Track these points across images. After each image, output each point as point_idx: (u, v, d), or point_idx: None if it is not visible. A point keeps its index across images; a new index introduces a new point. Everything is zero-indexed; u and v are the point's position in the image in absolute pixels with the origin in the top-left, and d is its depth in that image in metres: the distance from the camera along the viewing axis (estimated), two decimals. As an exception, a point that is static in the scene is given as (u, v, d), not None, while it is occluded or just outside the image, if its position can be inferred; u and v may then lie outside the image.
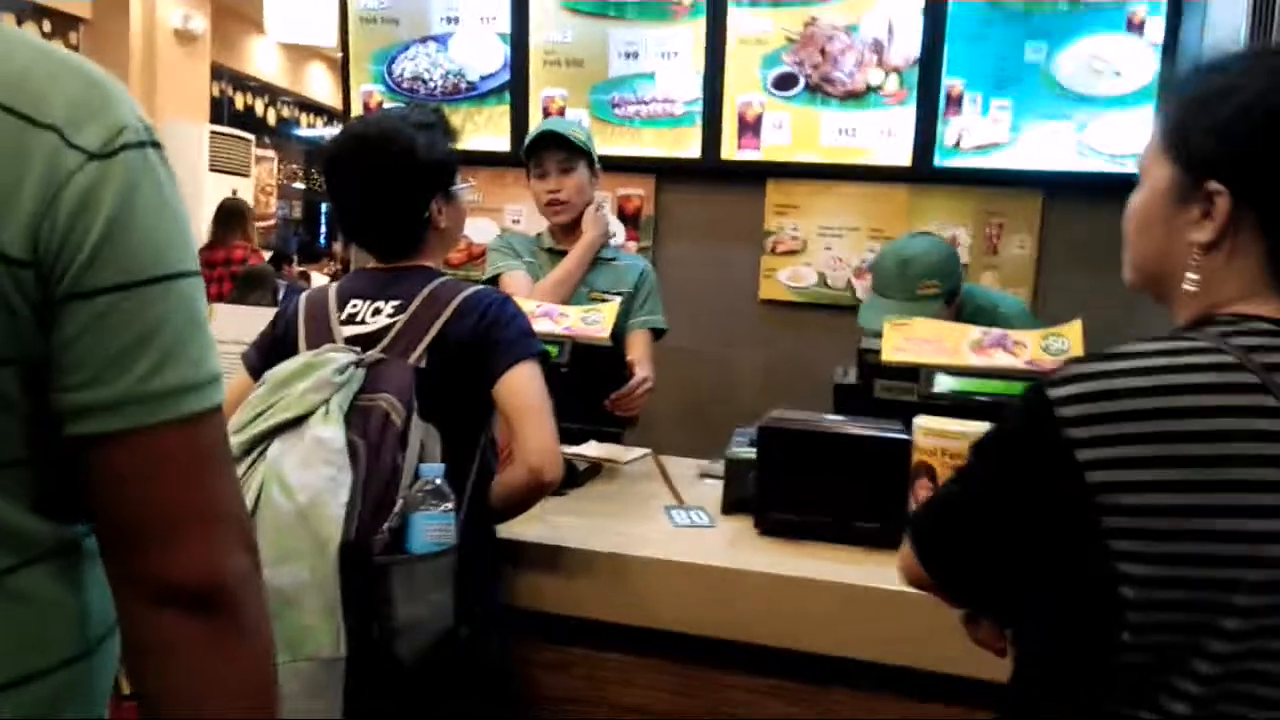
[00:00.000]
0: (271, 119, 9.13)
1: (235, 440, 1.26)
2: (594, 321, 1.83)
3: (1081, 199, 2.91)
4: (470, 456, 1.43)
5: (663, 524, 1.68)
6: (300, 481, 1.23)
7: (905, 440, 1.53)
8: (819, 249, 3.11)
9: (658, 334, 2.41)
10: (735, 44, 2.99)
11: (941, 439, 1.48)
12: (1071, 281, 2.95)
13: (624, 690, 1.53)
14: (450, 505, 1.30)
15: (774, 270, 3.15)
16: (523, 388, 1.42)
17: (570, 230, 2.34)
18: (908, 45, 2.89)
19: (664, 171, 3.17)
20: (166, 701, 0.66)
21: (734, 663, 1.50)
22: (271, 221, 7.23)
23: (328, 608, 1.21)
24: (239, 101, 8.53)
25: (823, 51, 2.94)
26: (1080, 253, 2.95)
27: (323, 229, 10.68)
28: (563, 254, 2.35)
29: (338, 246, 9.93)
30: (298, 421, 1.28)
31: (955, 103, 2.90)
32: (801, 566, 1.47)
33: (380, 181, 1.48)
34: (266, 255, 5.78)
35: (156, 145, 0.66)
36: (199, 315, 0.67)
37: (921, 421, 1.51)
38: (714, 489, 1.87)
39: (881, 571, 1.46)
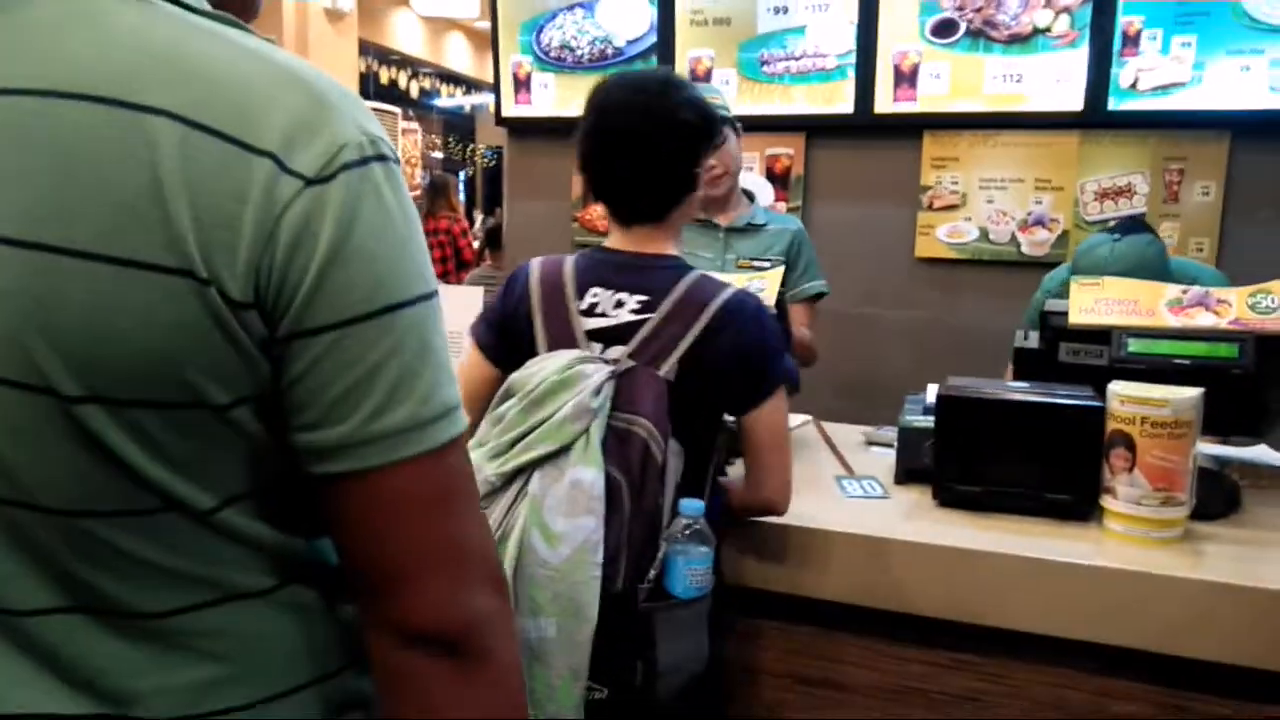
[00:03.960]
0: (414, 92, 9.38)
1: (493, 468, 1.23)
2: (758, 290, 1.79)
3: (1273, 140, 2.69)
4: (704, 474, 1.38)
5: (834, 495, 1.65)
6: (562, 530, 1.18)
7: (1099, 408, 1.44)
8: (980, 202, 2.98)
9: (818, 296, 2.36)
10: (891, -9, 2.87)
11: (1141, 406, 1.40)
12: (1260, 230, 2.74)
13: (807, 662, 1.52)
14: (710, 548, 1.26)
15: (931, 227, 3.04)
16: (775, 423, 1.37)
17: (722, 201, 2.31)
18: (1079, -18, 2.71)
19: (815, 128, 3.09)
20: None
21: (914, 636, 1.47)
22: (417, 193, 7.46)
23: (574, 671, 1.18)
24: (383, 76, 8.80)
25: (985, -6, 2.79)
26: (1271, 198, 2.73)
27: (462, 196, 10.96)
28: (711, 225, 2.31)
29: (478, 214, 10.19)
30: (557, 453, 1.22)
31: (1132, 41, 2.71)
32: (988, 539, 1.42)
33: (662, 131, 1.36)
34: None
35: (382, 158, 0.60)
36: (430, 342, 0.61)
37: (1118, 388, 1.42)
38: (882, 457, 1.83)
39: (1070, 545, 1.40)
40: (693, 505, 1.26)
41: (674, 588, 1.25)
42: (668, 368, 1.30)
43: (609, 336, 1.34)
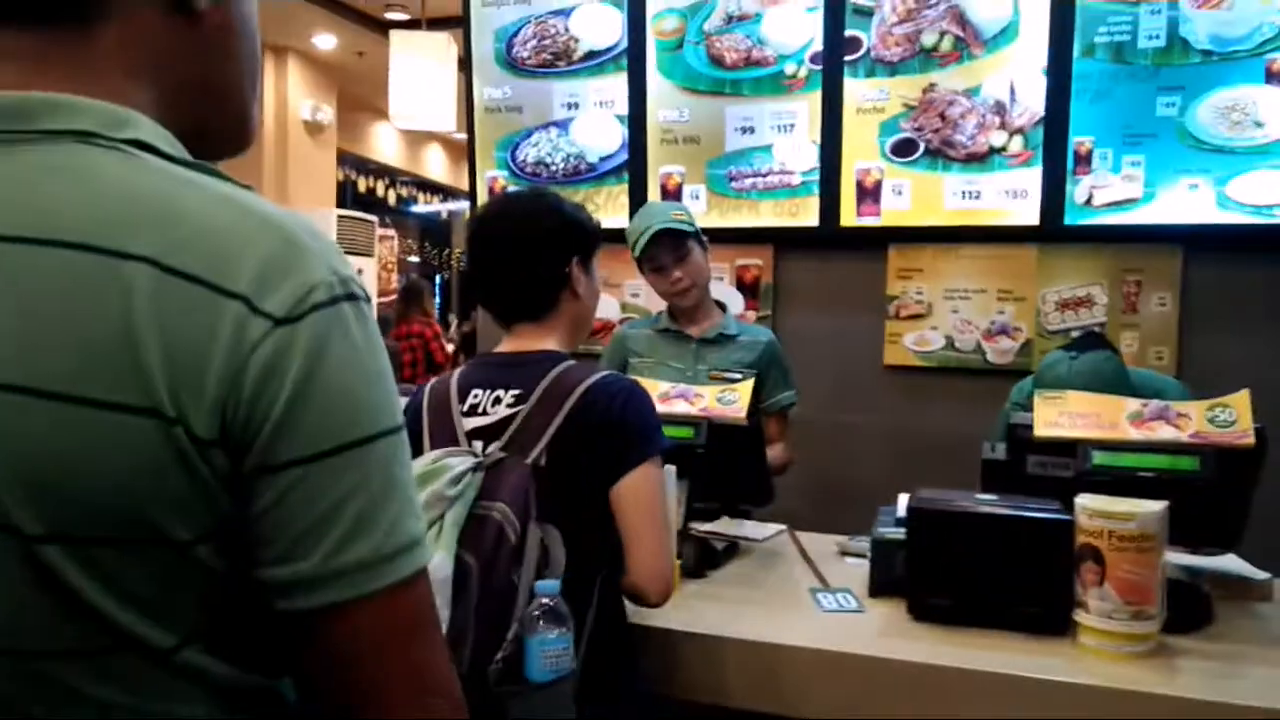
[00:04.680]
0: (391, 199, 9.55)
1: None
2: (730, 402, 1.82)
3: (1224, 253, 2.79)
4: (597, 555, 1.37)
5: (809, 608, 1.64)
6: None
7: (1067, 521, 1.46)
8: (945, 312, 3.05)
9: (789, 407, 2.39)
10: (852, 113, 2.99)
11: (1108, 520, 1.41)
12: (1216, 339, 2.82)
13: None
14: (567, 629, 1.23)
15: (899, 335, 3.10)
16: (640, 496, 1.38)
17: (692, 312, 2.36)
18: (1031, 105, 2.84)
19: (782, 241, 3.17)
20: None
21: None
22: (393, 297, 7.52)
23: None
24: (361, 184, 8.96)
25: (942, 116, 2.92)
26: (1225, 309, 2.82)
27: (437, 299, 11.05)
28: (680, 335, 2.36)
29: (452, 318, 10.25)
30: None
31: (1084, 160, 2.83)
32: (962, 655, 1.41)
33: (526, 231, 1.48)
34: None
35: (353, 297, 0.62)
36: (396, 475, 0.62)
37: (1085, 502, 1.44)
38: (857, 568, 1.83)
39: (1045, 661, 1.40)
40: (546, 585, 1.24)
41: (529, 670, 1.22)
42: (536, 453, 1.35)
43: (489, 433, 1.40)
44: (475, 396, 1.44)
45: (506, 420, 1.39)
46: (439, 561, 1.21)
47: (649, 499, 1.39)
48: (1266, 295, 2.75)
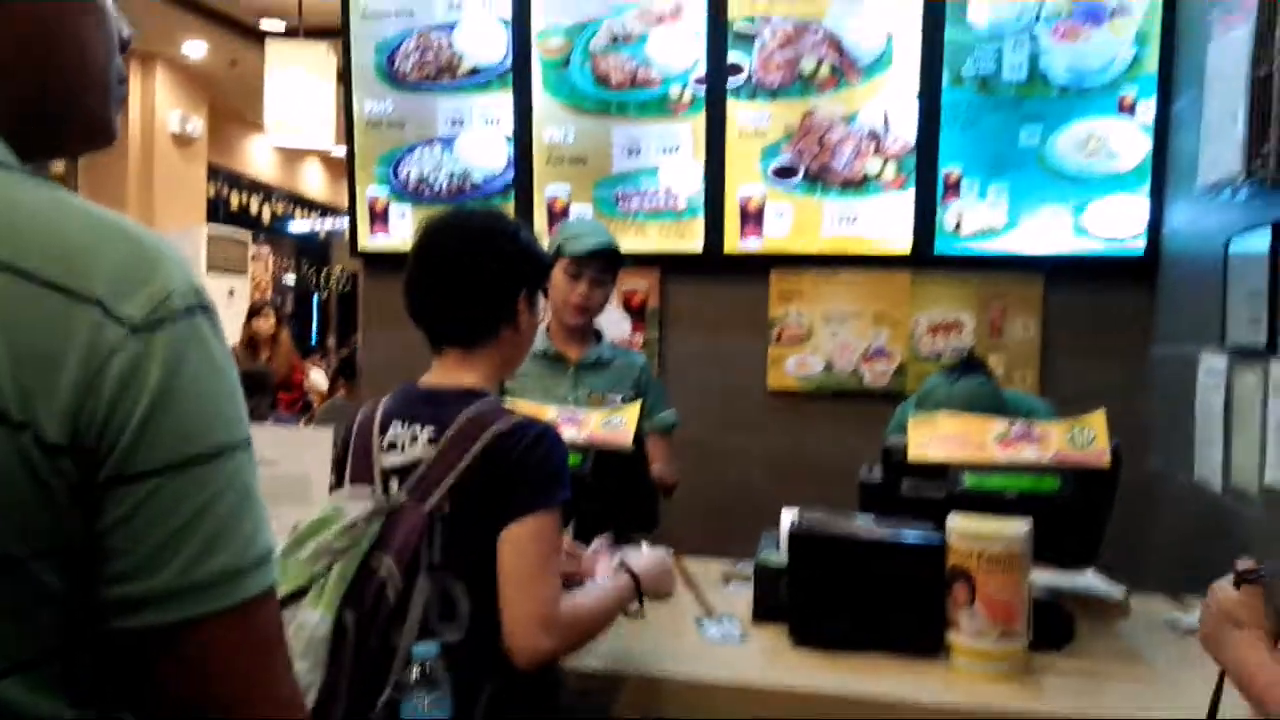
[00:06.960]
0: (266, 216, 9.23)
1: None
2: (616, 426, 1.81)
3: (1082, 280, 2.94)
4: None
5: (693, 637, 1.63)
6: None
7: (939, 544, 1.50)
8: (825, 336, 3.12)
9: (672, 427, 2.40)
10: (735, 137, 3.04)
11: (977, 541, 1.46)
12: (1075, 362, 2.96)
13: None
14: (440, 694, 1.18)
15: (781, 359, 3.15)
16: (517, 550, 1.27)
17: (576, 335, 2.34)
18: (904, 133, 2.94)
19: (668, 264, 3.19)
20: None
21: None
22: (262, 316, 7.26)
23: None
24: (234, 201, 8.63)
25: (821, 141, 2.99)
26: (1082, 334, 2.96)
27: (314, 323, 10.73)
28: (559, 360, 2.33)
29: (330, 342, 9.96)
30: (297, 595, 1.19)
31: (953, 188, 2.94)
32: (840, 681, 1.43)
33: (478, 254, 1.39)
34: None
35: (205, 309, 0.62)
36: (250, 489, 0.62)
37: (955, 524, 1.49)
38: (741, 593, 1.84)
39: (920, 681, 1.43)
40: (422, 650, 1.19)
41: None
42: (435, 500, 1.29)
43: (404, 471, 1.34)
44: (394, 431, 1.37)
45: (418, 461, 1.33)
46: (317, 620, 1.17)
47: (529, 556, 1.26)
48: (1119, 320, 2.91)
